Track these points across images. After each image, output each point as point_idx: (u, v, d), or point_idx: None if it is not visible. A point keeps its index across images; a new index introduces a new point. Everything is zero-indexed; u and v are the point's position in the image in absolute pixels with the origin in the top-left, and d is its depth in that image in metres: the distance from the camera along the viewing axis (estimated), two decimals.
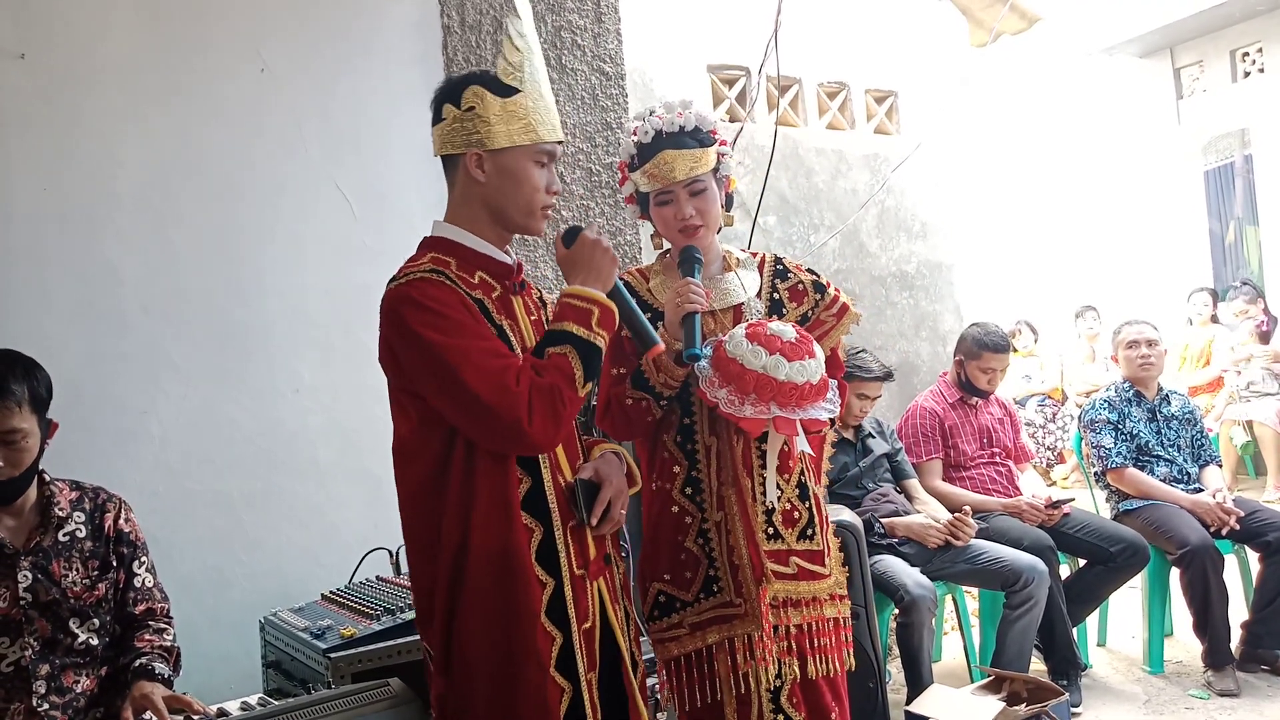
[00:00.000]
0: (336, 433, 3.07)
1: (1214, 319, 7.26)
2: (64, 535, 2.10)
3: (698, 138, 2.09)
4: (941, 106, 5.38)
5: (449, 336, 1.61)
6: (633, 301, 1.88)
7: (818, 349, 2.03)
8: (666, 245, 2.21)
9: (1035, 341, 7.87)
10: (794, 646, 2.03)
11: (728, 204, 2.21)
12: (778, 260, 2.25)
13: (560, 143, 1.81)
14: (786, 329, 2.00)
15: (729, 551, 2.04)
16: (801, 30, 4.45)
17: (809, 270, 2.26)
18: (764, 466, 2.06)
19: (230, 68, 2.98)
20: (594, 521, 1.74)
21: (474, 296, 1.70)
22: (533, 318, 1.82)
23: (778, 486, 2.06)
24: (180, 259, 2.89)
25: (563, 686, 1.67)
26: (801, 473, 2.11)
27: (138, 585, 2.19)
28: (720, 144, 2.14)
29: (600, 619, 1.77)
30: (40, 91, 2.74)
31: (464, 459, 1.65)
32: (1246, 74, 8.66)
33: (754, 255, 2.26)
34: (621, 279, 2.20)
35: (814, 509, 2.12)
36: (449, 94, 1.75)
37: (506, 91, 1.72)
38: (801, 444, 2.02)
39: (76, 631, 2.06)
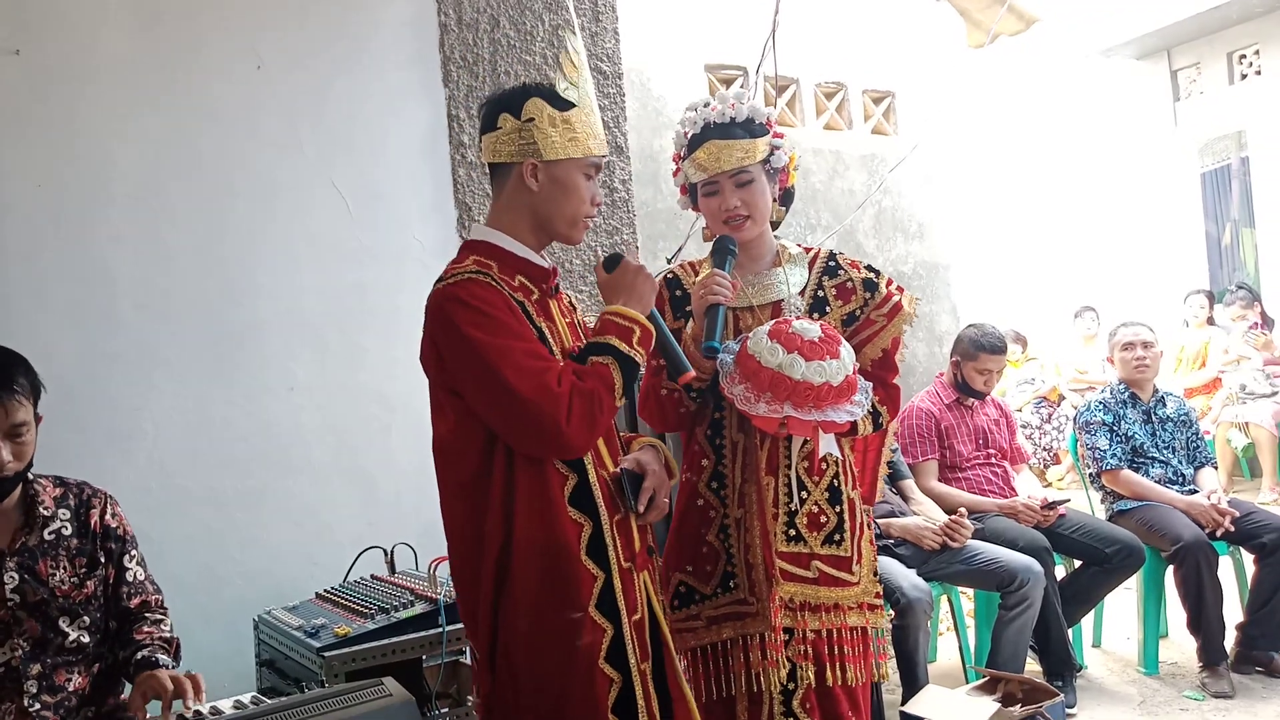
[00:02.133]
0: (330, 432, 3.06)
1: (1210, 321, 7.27)
2: (49, 533, 2.07)
3: (748, 129, 2.08)
4: (939, 107, 5.38)
5: (493, 335, 1.66)
6: (667, 329, 1.91)
7: (845, 350, 1.98)
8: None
9: (1024, 351, 7.83)
10: (811, 652, 2.00)
11: (785, 199, 2.18)
12: (832, 256, 2.20)
13: (605, 157, 1.88)
14: (811, 328, 1.96)
15: (745, 550, 2.03)
16: (799, 30, 4.45)
17: (867, 267, 2.19)
18: (790, 467, 2.03)
19: (225, 66, 2.97)
20: (641, 509, 1.78)
21: (516, 298, 1.74)
22: (566, 320, 1.87)
23: (805, 488, 2.04)
24: (174, 258, 2.88)
25: (612, 678, 1.70)
26: (835, 476, 2.07)
27: (130, 580, 2.17)
28: (775, 136, 2.12)
29: (648, 610, 1.81)
30: (35, 89, 2.73)
31: (505, 457, 1.69)
32: (1243, 76, 8.67)
33: (807, 250, 2.21)
34: (673, 270, 2.21)
35: (845, 514, 2.07)
36: (508, 104, 1.80)
37: (564, 105, 1.79)
38: (827, 446, 1.99)
39: (67, 630, 2.04)
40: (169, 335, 2.86)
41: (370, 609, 2.41)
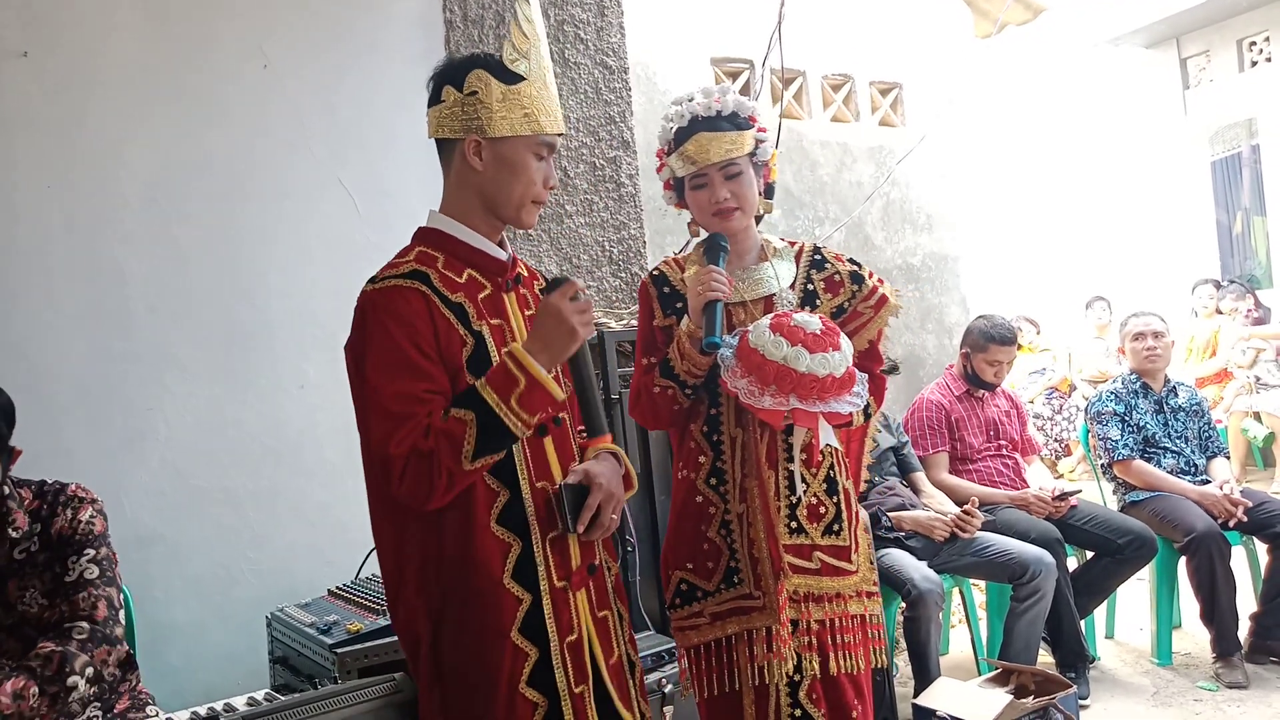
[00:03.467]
0: (343, 430, 3.04)
1: (1219, 310, 7.25)
2: (19, 553, 1.93)
3: (735, 122, 2.08)
4: (946, 98, 5.36)
5: (376, 371, 1.58)
6: (591, 381, 1.82)
7: (845, 342, 1.99)
8: (704, 234, 2.17)
9: (1038, 334, 7.84)
10: (815, 642, 2.01)
11: (768, 192, 2.18)
12: (816, 250, 2.21)
13: (561, 135, 1.76)
14: (812, 320, 1.96)
15: (750, 544, 2.03)
16: (805, 22, 4.43)
17: (850, 260, 2.21)
18: (789, 459, 2.04)
19: (234, 66, 2.98)
20: (580, 529, 1.67)
21: (454, 301, 1.65)
22: (528, 313, 1.76)
23: (803, 480, 2.05)
24: (186, 258, 2.89)
25: (536, 702, 1.62)
26: (830, 467, 2.09)
27: (68, 580, 1.92)
28: (759, 130, 2.12)
29: (585, 630, 1.72)
30: (45, 91, 2.74)
31: None
32: (1253, 63, 8.62)
33: (792, 245, 2.22)
34: (659, 268, 2.21)
35: (842, 504, 2.09)
36: (450, 75, 1.71)
37: (511, 79, 1.68)
38: (826, 437, 1.99)
39: None
40: (181, 335, 2.87)
41: (382, 606, 2.42)
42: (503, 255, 1.76)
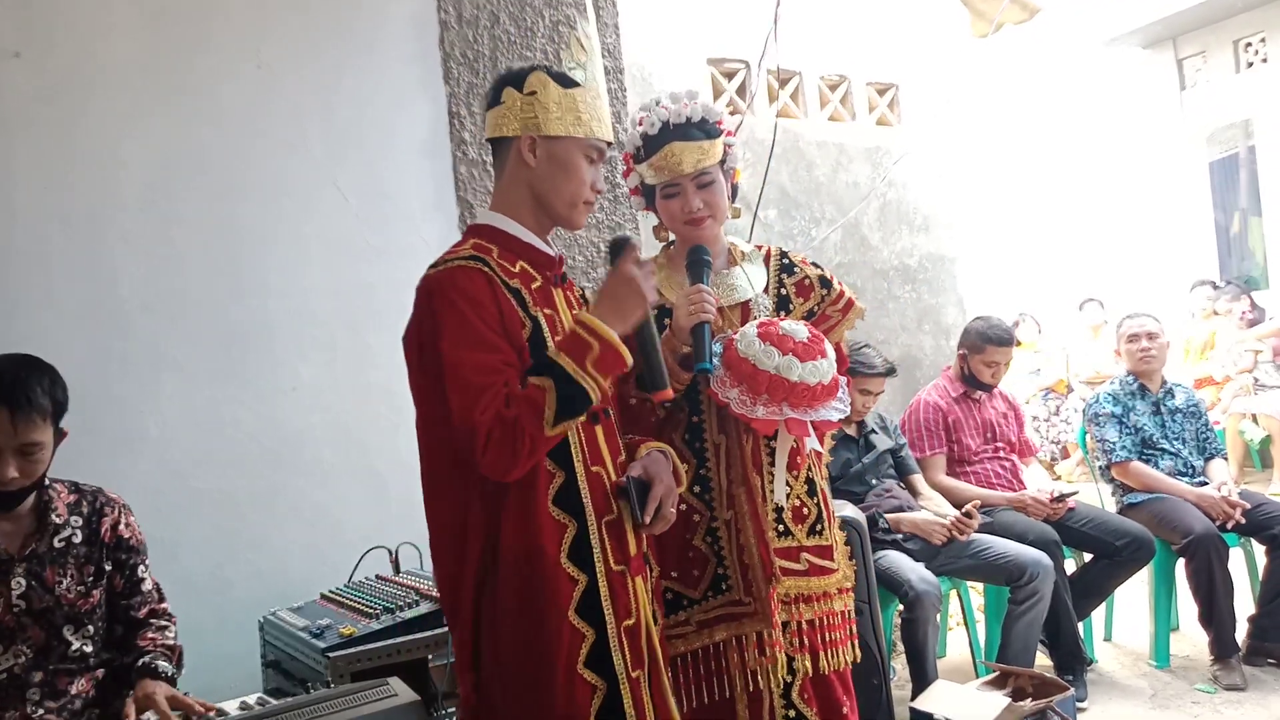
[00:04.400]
0: (339, 431, 3.06)
1: (1216, 311, 7.26)
2: (59, 541, 2.06)
3: (704, 129, 2.08)
4: (943, 98, 5.35)
5: (453, 344, 1.61)
6: (656, 341, 1.81)
7: (829, 348, 2.01)
8: (671, 237, 2.19)
9: (1039, 333, 7.85)
10: (806, 642, 2.02)
11: (733, 195, 2.19)
12: (783, 254, 2.23)
13: (611, 144, 1.82)
14: (799, 329, 1.98)
15: (739, 550, 2.03)
16: (801, 22, 4.42)
17: (814, 264, 2.24)
18: (773, 464, 2.04)
19: (231, 67, 2.97)
20: (647, 519, 1.72)
21: (512, 286, 1.70)
22: (574, 312, 1.81)
23: (786, 484, 2.05)
24: (182, 259, 2.88)
25: (594, 684, 1.65)
26: (809, 468, 2.11)
27: (143, 590, 2.17)
28: (727, 135, 2.13)
29: (644, 617, 1.75)
30: (41, 92, 2.73)
31: None
32: (1250, 64, 8.62)
33: (759, 248, 2.24)
34: None
35: (822, 504, 2.12)
36: (513, 79, 1.77)
37: (569, 83, 1.76)
38: (812, 443, 2.01)
39: (70, 639, 2.04)
40: (177, 336, 2.86)
41: (375, 609, 2.41)
42: (551, 251, 1.81)
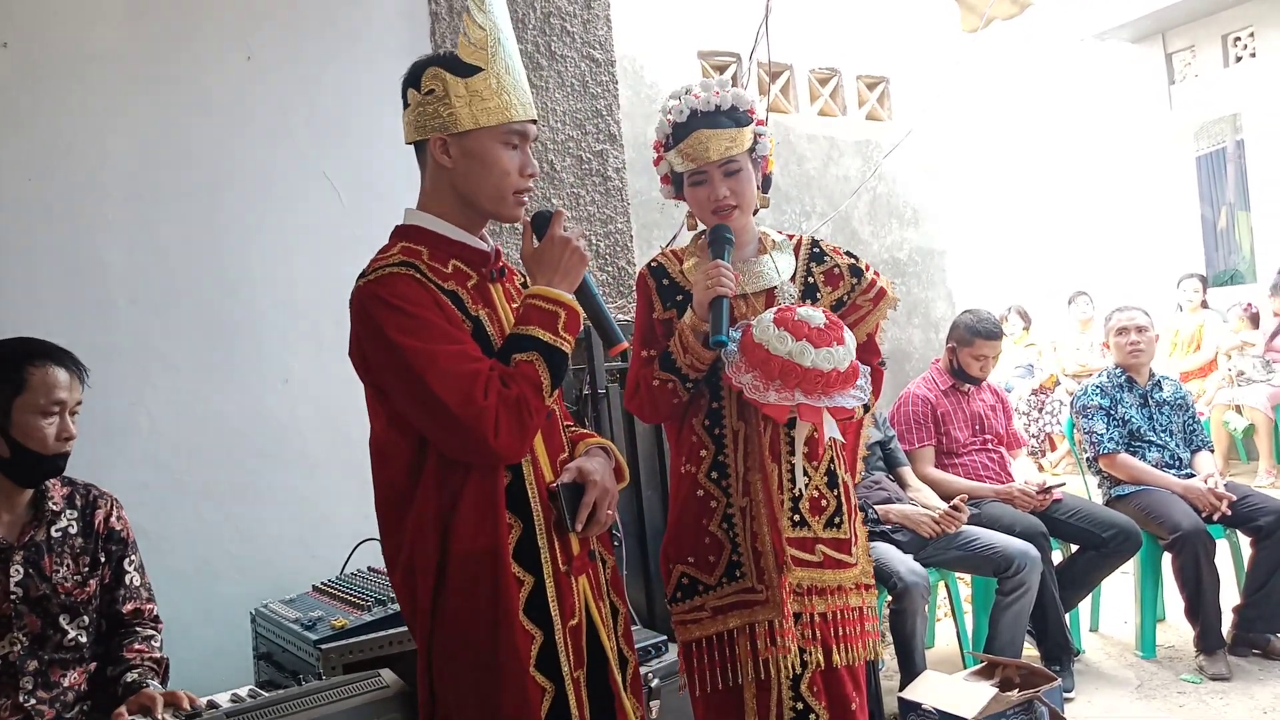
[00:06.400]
0: (327, 424, 3.05)
1: (1204, 304, 7.29)
2: (56, 531, 2.08)
3: (734, 117, 2.06)
4: (933, 93, 5.36)
5: (417, 339, 1.55)
6: (599, 297, 1.80)
7: (848, 335, 1.99)
8: (702, 227, 2.16)
9: (1026, 329, 7.87)
10: (818, 635, 2.01)
11: (764, 185, 2.17)
12: (814, 243, 2.21)
13: (533, 121, 1.72)
14: (815, 314, 1.96)
15: (752, 538, 2.02)
16: (792, 16, 4.43)
17: (847, 253, 2.20)
18: (792, 453, 2.03)
19: (217, 58, 2.95)
20: (579, 527, 1.67)
21: (447, 289, 1.64)
22: (514, 305, 1.75)
23: (805, 473, 2.04)
24: (168, 250, 2.87)
25: (544, 686, 1.62)
26: (831, 460, 2.09)
27: (126, 584, 2.17)
28: (757, 124, 2.11)
29: (585, 616, 1.72)
30: (24, 82, 2.71)
31: (439, 460, 1.60)
32: (1238, 59, 8.66)
33: (790, 238, 2.22)
34: (657, 259, 2.20)
35: (842, 497, 2.09)
36: (410, 78, 1.69)
37: (467, 71, 1.64)
38: (831, 430, 1.98)
39: (66, 628, 2.04)
40: (163, 328, 2.85)
41: (367, 601, 2.41)
42: (485, 246, 1.75)
